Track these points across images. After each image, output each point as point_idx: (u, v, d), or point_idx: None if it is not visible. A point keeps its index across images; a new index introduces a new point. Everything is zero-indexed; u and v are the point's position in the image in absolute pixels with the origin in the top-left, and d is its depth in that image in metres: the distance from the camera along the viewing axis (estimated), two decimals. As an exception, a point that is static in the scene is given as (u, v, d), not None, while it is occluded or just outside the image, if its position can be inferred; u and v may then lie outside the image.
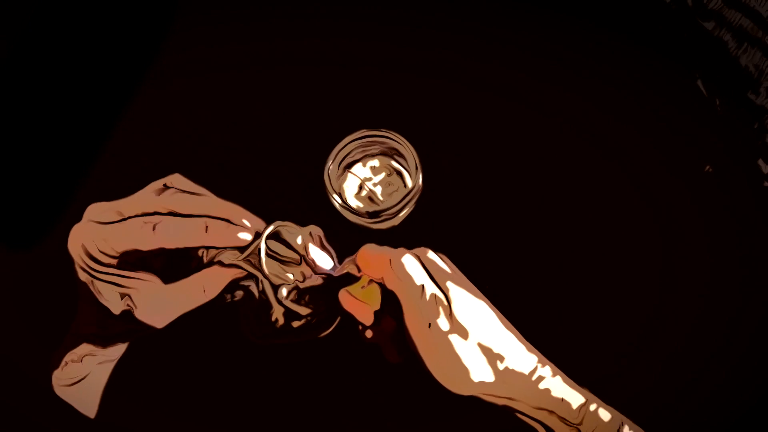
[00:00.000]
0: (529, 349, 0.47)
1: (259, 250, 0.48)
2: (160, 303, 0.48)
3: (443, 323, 0.45)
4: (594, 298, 0.58)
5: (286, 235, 0.50)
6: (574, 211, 0.60)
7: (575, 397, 0.46)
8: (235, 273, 0.49)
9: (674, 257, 0.59)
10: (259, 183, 0.62)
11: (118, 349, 0.53)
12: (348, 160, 0.61)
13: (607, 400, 0.56)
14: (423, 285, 0.45)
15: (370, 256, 0.48)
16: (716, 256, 0.59)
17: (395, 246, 0.48)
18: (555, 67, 0.63)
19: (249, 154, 0.63)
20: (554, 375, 0.47)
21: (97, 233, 0.46)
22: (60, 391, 0.52)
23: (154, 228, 0.45)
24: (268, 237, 0.48)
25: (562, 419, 0.46)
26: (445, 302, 0.45)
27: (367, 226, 0.60)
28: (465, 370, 0.44)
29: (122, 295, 0.47)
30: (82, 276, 0.47)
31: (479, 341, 0.45)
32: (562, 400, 0.46)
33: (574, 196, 0.60)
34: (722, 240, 0.59)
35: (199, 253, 0.51)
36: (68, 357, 0.51)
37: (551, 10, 0.64)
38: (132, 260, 0.47)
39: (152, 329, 0.50)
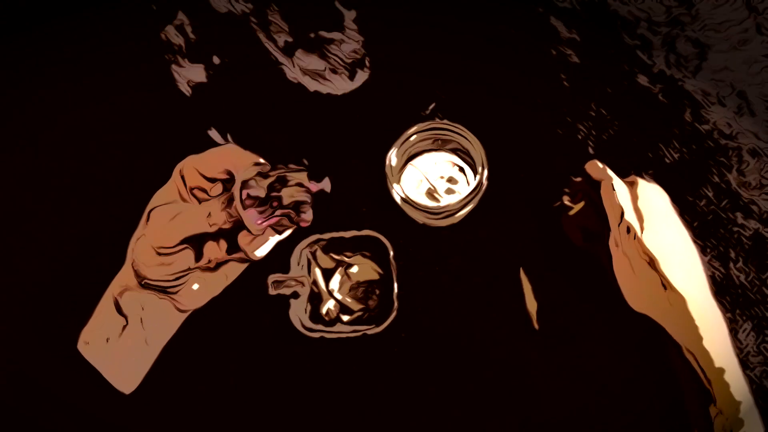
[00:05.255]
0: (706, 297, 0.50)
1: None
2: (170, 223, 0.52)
3: (628, 247, 0.51)
4: (594, 298, 0.58)
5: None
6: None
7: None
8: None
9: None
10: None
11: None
12: (411, 151, 0.57)
13: (609, 401, 0.56)
14: (622, 211, 0.51)
15: (600, 169, 0.54)
16: (716, 256, 0.59)
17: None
18: (553, 66, 0.63)
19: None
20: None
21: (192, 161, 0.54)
22: (98, 356, 0.52)
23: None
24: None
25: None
26: (637, 230, 0.50)
27: (425, 222, 0.58)
28: (635, 292, 0.51)
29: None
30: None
31: (660, 270, 0.50)
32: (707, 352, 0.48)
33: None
34: (722, 240, 0.59)
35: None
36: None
37: (550, 11, 0.64)
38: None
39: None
